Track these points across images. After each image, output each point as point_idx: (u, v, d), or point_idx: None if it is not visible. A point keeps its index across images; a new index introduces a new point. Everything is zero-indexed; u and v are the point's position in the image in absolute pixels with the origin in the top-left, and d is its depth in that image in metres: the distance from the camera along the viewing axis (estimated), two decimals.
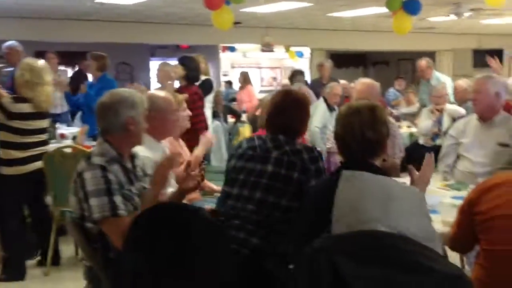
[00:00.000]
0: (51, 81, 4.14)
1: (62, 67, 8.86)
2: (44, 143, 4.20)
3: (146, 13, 9.31)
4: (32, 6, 8.40)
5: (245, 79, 10.20)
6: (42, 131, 4.16)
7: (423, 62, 7.08)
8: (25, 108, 3.97)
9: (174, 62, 5.97)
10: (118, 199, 2.33)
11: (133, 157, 2.58)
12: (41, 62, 4.15)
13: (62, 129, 6.14)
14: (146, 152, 2.79)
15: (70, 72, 10.99)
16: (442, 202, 2.87)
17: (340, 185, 1.94)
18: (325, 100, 6.01)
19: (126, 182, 2.44)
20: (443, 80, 7.07)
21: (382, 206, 1.87)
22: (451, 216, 2.56)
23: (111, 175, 2.35)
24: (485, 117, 3.64)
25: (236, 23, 10.56)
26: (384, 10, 7.79)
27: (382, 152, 2.18)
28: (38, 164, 4.06)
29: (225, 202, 2.54)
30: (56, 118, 7.19)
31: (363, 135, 2.11)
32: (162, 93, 3.17)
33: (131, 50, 12.26)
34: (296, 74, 8.07)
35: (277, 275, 2.31)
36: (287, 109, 2.61)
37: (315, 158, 2.50)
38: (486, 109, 3.62)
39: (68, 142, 5.30)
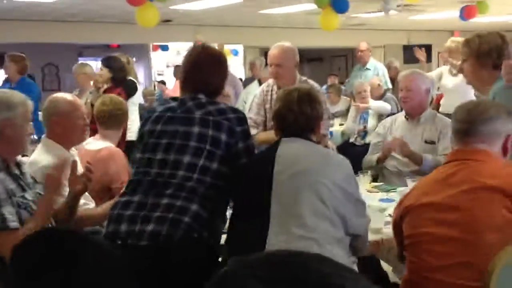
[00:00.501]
0: None
1: None
2: None
3: (67, 11, 8.91)
4: None
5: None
6: None
7: (363, 44, 6.96)
8: None
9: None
10: (6, 210, 2.14)
11: (19, 164, 2.38)
12: None
13: None
14: (50, 160, 2.57)
15: None
16: (369, 206, 2.77)
17: (281, 146, 2.22)
18: None
19: (17, 189, 2.25)
20: (379, 67, 7.02)
21: (322, 164, 2.16)
22: (379, 222, 2.46)
23: None
24: (414, 114, 3.59)
25: (166, 20, 10.38)
26: (314, 7, 7.75)
27: (317, 130, 2.33)
28: None
29: (145, 170, 2.25)
30: None
31: (300, 109, 2.25)
32: (67, 96, 2.89)
33: (57, 50, 11.76)
34: None
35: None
36: (205, 65, 2.41)
37: (241, 119, 2.34)
38: (417, 106, 3.58)
39: None
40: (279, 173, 2.12)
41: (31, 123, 2.43)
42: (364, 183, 3.25)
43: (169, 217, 2.09)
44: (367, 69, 7.00)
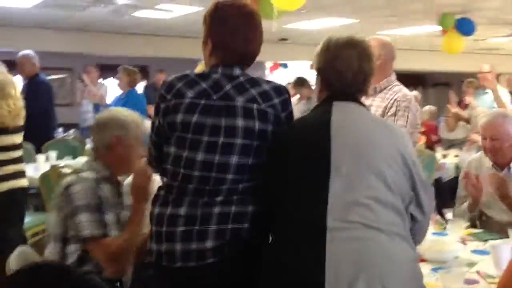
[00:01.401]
0: (17, 95, 3.65)
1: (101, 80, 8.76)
2: (16, 161, 3.67)
3: (188, 28, 9.17)
4: (74, 19, 8.41)
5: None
6: (12, 148, 3.67)
7: (485, 66, 5.68)
8: None
9: None
10: (110, 218, 2.17)
11: (119, 183, 2.41)
12: (4, 75, 3.74)
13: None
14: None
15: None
16: (457, 258, 2.39)
17: (335, 112, 1.83)
18: None
19: (117, 206, 2.27)
20: (504, 95, 5.67)
21: (386, 137, 1.81)
22: (458, 280, 2.08)
23: (103, 192, 2.19)
24: (504, 165, 3.07)
25: (282, 39, 10.35)
26: (438, 28, 7.28)
27: (367, 91, 2.01)
28: (11, 184, 3.58)
29: (185, 172, 1.88)
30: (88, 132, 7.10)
31: (361, 67, 1.92)
32: None
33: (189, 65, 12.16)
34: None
35: None
36: (241, 28, 1.94)
37: (286, 102, 1.97)
38: (509, 155, 3.04)
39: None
40: (338, 147, 1.74)
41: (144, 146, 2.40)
42: (458, 228, 2.84)
43: (228, 229, 1.85)
44: (485, 93, 6.09)
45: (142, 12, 7.76)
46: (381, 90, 3.13)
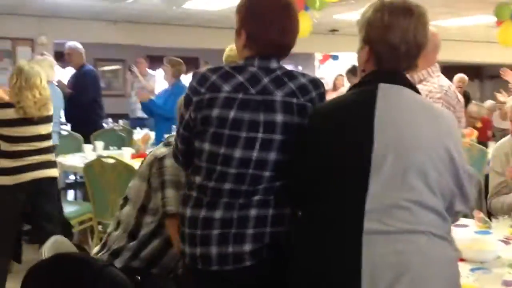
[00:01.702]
0: (43, 85, 3.78)
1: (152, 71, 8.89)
2: (42, 151, 3.79)
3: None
4: (126, 11, 8.54)
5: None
6: (37, 138, 3.78)
7: None
8: (10, 114, 3.66)
9: None
10: (169, 193, 2.22)
11: None
12: (34, 65, 3.87)
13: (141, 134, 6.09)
14: None
15: None
16: (499, 258, 2.28)
17: (380, 97, 1.64)
18: None
19: None
20: None
21: (434, 130, 1.63)
22: (495, 280, 1.98)
23: None
24: None
25: (332, 30, 10.20)
26: (493, 19, 6.99)
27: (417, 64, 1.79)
28: (36, 174, 3.74)
29: (221, 169, 1.81)
30: (143, 122, 7.21)
31: (415, 40, 1.69)
32: None
33: None
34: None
35: None
36: (276, 18, 1.86)
37: (322, 95, 1.90)
38: None
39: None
40: (380, 145, 1.58)
41: None
42: (503, 227, 2.71)
43: (266, 232, 1.81)
44: None
45: (192, 3, 7.80)
46: (420, 81, 3.03)
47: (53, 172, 3.85)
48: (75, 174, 6.18)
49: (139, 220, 2.35)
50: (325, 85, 1.97)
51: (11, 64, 9.00)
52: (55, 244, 2.10)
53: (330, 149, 1.67)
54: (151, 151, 2.49)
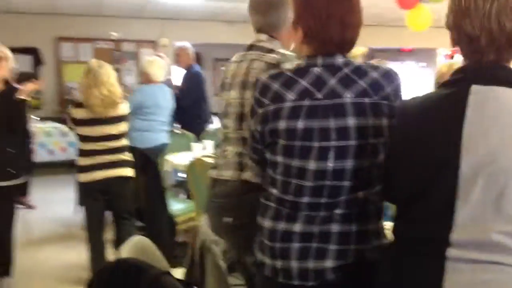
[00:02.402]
0: (111, 82, 3.77)
1: None
2: (113, 151, 3.86)
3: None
4: (241, 11, 8.61)
5: None
6: (107, 138, 3.82)
7: None
8: (81, 113, 3.76)
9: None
10: None
11: None
12: (103, 63, 3.86)
13: None
14: None
15: None
16: None
17: (472, 103, 1.35)
18: None
19: None
20: None
21: None
22: None
23: None
24: None
25: None
26: None
27: None
28: (106, 173, 3.82)
29: (296, 182, 1.67)
30: None
31: (499, 25, 1.38)
32: None
33: None
34: None
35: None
36: (335, 11, 1.65)
37: (398, 87, 1.69)
38: None
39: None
40: (469, 166, 1.32)
41: None
42: None
43: (350, 249, 1.67)
44: None
45: None
46: None
47: (124, 172, 3.90)
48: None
49: None
50: None
51: (135, 66, 9.46)
52: (134, 246, 2.06)
53: (413, 164, 1.43)
54: None
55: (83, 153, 3.85)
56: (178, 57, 6.09)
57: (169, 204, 4.62)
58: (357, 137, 1.62)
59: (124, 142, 3.96)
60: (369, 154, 1.64)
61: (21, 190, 5.97)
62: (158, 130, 4.96)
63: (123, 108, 3.90)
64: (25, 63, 9.08)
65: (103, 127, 3.81)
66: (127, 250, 2.01)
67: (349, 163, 1.62)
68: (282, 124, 1.66)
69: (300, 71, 1.69)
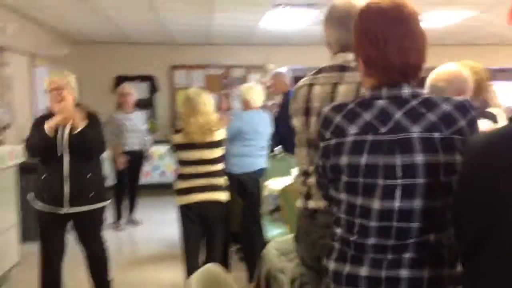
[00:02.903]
0: (208, 110, 3.99)
1: None
2: (207, 175, 4.03)
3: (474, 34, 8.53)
4: None
5: None
6: (201, 162, 4.02)
7: None
8: (179, 138, 3.98)
9: None
10: None
11: None
12: (200, 92, 4.09)
13: None
14: None
15: None
16: None
17: None
18: None
19: None
20: None
21: None
22: None
23: None
24: None
25: None
26: None
27: None
28: (200, 196, 3.99)
29: (361, 222, 1.59)
30: None
31: None
32: None
33: None
34: None
35: None
36: (392, 35, 1.56)
37: (473, 121, 1.57)
38: None
39: None
40: None
41: None
42: None
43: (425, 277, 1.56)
44: None
45: None
46: None
47: (218, 196, 4.05)
48: None
49: None
50: None
51: None
52: (205, 273, 2.11)
53: (484, 202, 1.30)
54: None
55: (180, 176, 4.06)
56: (274, 84, 6.16)
57: (265, 230, 4.66)
58: (426, 174, 1.52)
59: (219, 166, 4.12)
60: (441, 194, 1.54)
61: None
62: (257, 155, 5.04)
63: (220, 134, 4.07)
64: (142, 90, 9.67)
65: (200, 152, 4.00)
66: (197, 279, 2.05)
67: (417, 203, 1.53)
68: (344, 160, 1.60)
69: (364, 104, 1.63)
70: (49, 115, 3.83)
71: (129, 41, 9.35)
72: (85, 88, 9.43)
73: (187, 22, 7.61)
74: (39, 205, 3.83)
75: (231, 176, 4.56)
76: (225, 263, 4.47)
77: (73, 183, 3.78)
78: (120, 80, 9.54)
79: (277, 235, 4.64)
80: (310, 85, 2.25)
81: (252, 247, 4.50)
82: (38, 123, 3.80)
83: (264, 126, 5.12)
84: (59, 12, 6.77)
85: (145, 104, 9.21)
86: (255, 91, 5.13)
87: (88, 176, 3.85)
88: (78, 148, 3.77)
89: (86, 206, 3.86)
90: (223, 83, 9.95)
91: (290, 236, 3.06)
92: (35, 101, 7.28)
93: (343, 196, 1.63)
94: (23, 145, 3.89)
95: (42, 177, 3.82)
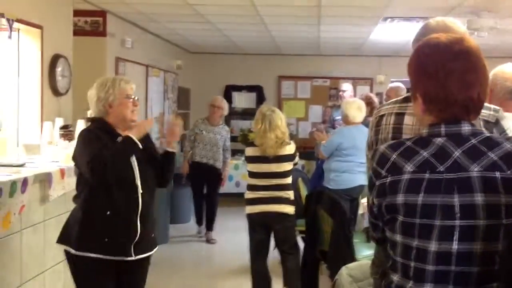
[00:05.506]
0: (283, 125, 4.24)
1: None
2: (273, 187, 4.26)
3: None
4: None
5: None
6: (269, 175, 4.25)
7: None
8: (251, 152, 4.28)
9: None
10: None
11: None
12: (275, 109, 4.37)
13: None
14: None
15: None
16: None
17: None
18: None
19: None
20: None
21: None
22: None
23: None
24: None
25: None
26: None
27: None
28: (269, 207, 4.22)
29: (416, 265, 1.52)
30: None
31: None
32: None
33: None
34: None
35: None
36: (454, 71, 1.49)
37: None
38: None
39: None
40: None
41: None
42: None
43: None
44: None
45: None
46: None
47: (283, 208, 4.25)
48: None
49: None
50: None
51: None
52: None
53: None
54: None
55: (249, 187, 4.37)
56: (388, 98, 6.03)
57: (357, 249, 4.57)
58: (486, 216, 1.44)
59: (288, 180, 4.37)
60: (504, 237, 1.44)
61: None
62: (356, 171, 4.97)
63: (290, 148, 4.30)
64: (249, 100, 9.89)
65: (269, 165, 4.26)
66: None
67: (477, 246, 1.44)
68: (400, 199, 1.52)
69: (421, 141, 1.55)
70: (102, 127, 2.82)
71: (239, 52, 9.59)
72: (196, 97, 9.83)
73: (294, 35, 7.68)
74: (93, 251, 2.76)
75: (322, 193, 4.60)
76: (314, 282, 4.53)
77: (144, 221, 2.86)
78: (229, 89, 9.82)
79: (369, 256, 4.53)
80: (399, 114, 2.02)
81: (338, 267, 4.44)
82: (95, 136, 2.77)
83: (364, 142, 5.03)
84: (173, 25, 7.11)
85: (251, 114, 9.38)
86: (355, 107, 5.07)
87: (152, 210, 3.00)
88: (150, 175, 2.92)
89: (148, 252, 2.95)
90: (329, 94, 9.90)
91: (365, 262, 2.98)
92: (149, 110, 7.66)
93: (398, 237, 1.55)
94: (85, 165, 2.68)
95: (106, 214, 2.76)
